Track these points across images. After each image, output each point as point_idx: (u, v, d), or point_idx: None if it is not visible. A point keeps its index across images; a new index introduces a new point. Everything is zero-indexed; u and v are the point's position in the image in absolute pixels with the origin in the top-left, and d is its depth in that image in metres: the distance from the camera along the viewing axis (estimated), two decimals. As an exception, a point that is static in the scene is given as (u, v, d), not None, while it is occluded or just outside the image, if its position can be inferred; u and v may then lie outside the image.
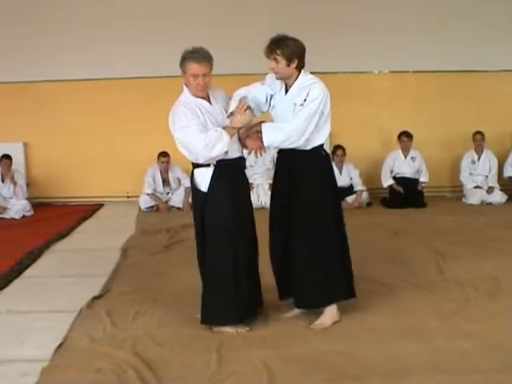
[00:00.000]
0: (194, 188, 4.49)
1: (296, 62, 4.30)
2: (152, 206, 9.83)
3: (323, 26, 9.95)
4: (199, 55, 4.31)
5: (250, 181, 9.70)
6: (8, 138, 10.21)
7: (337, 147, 9.83)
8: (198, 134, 4.20)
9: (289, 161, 4.51)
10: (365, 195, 9.82)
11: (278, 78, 4.42)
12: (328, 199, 4.48)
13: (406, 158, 10.00)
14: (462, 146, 10.30)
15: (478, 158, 10.14)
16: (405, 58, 10.35)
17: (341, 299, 4.54)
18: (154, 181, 9.88)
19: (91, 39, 10.15)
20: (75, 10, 10.25)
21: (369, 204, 9.82)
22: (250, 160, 9.76)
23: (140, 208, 9.79)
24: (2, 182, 9.64)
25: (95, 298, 5.13)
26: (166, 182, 9.97)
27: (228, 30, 9.89)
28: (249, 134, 4.44)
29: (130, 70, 10.13)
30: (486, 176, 10.07)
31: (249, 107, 4.36)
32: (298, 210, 4.45)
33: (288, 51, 4.28)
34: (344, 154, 9.78)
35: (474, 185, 10.00)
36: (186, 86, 4.41)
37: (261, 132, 4.33)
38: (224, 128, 4.28)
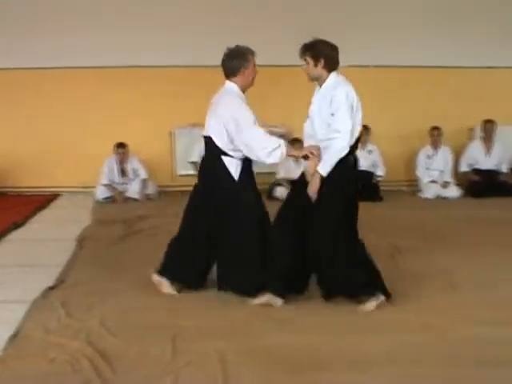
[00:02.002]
0: (222, 173, 4.79)
1: (323, 62, 4.63)
2: (108, 197, 9.75)
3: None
4: None
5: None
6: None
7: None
8: (263, 138, 4.69)
9: None
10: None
11: (310, 79, 4.80)
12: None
13: (362, 150, 10.05)
14: (418, 141, 10.44)
15: (435, 153, 10.28)
16: (365, 53, 10.40)
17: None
18: (111, 171, 9.80)
19: (53, 27, 10.03)
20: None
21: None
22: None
23: (96, 199, 9.71)
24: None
25: (50, 289, 5.07)
26: (123, 172, 9.91)
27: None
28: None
29: (88, 59, 9.93)
30: (442, 171, 10.22)
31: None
32: None
33: (314, 52, 4.65)
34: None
35: (430, 179, 10.13)
36: (233, 83, 4.82)
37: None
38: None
